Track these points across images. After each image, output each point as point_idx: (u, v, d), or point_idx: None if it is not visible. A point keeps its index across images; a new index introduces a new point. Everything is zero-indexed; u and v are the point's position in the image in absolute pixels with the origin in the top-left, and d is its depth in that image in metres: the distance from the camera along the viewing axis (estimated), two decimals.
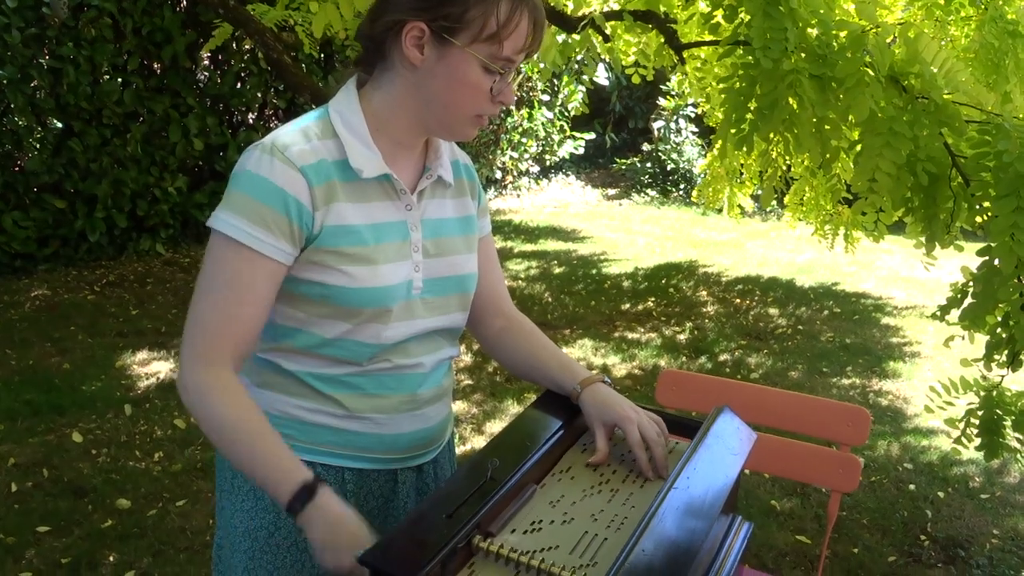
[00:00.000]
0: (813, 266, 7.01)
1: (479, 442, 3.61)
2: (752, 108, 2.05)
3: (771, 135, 2.08)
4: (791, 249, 7.60)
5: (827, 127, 2.08)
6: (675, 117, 9.82)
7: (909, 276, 6.79)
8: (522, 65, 1.20)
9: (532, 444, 1.19)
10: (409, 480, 1.33)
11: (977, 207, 2.04)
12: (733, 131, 2.07)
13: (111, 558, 2.72)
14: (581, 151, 10.01)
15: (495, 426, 3.77)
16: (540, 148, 9.58)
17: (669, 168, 9.91)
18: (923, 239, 2.17)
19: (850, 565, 2.83)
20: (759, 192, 4.12)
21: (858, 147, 2.04)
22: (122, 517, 2.95)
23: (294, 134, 1.17)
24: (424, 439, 1.32)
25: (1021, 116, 2.19)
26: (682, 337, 5.14)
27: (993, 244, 1.85)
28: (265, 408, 1.25)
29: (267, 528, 1.25)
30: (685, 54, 2.99)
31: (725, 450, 1.19)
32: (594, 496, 1.16)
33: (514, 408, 3.95)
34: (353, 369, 1.23)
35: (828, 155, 2.14)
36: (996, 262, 1.87)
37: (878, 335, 5.29)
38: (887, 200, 2.06)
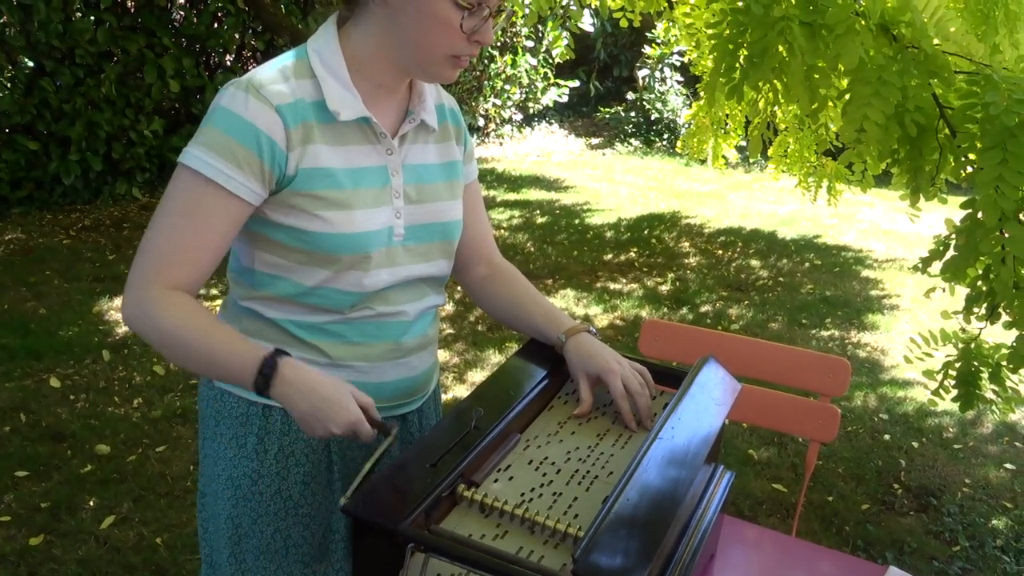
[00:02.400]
0: (795, 218, 7.02)
1: (461, 392, 3.62)
2: (742, 56, 2.01)
3: (760, 83, 2.05)
4: (773, 201, 7.61)
5: (816, 75, 2.05)
6: (660, 66, 9.71)
7: (889, 229, 6.83)
8: (507, 3, 1.15)
9: (516, 394, 1.19)
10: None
11: (963, 159, 2.03)
12: (723, 79, 2.04)
13: (91, 503, 2.71)
14: (565, 99, 9.89)
15: (477, 376, 3.77)
16: (523, 95, 9.46)
17: (653, 118, 9.83)
18: (908, 191, 2.16)
19: (825, 513, 2.89)
20: (744, 143, 4.09)
21: (846, 96, 2.01)
22: (102, 462, 2.94)
23: (272, 72, 1.14)
24: (409, 388, 1.31)
25: (1010, 68, 2.17)
26: (664, 288, 5.15)
27: (977, 196, 1.85)
28: None
29: (250, 476, 1.24)
30: None
31: (710, 400, 1.19)
32: (579, 446, 1.16)
33: (496, 358, 3.96)
34: (335, 317, 1.21)
35: (816, 104, 2.11)
36: (979, 215, 1.87)
37: (858, 288, 5.33)
38: (873, 151, 2.05)
